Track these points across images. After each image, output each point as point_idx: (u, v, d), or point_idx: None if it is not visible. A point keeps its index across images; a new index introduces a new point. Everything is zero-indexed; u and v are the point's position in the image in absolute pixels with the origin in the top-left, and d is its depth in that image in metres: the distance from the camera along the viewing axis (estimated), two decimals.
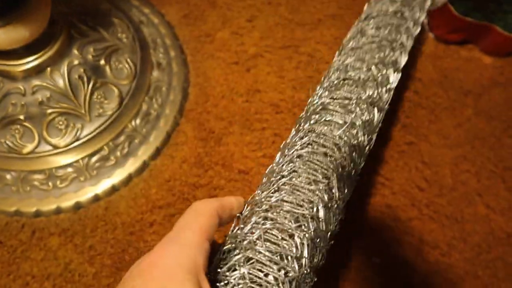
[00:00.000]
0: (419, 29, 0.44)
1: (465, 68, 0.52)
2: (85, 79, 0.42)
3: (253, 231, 0.29)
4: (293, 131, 0.36)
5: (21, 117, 0.41)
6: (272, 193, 0.31)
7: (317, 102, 0.36)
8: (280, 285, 0.26)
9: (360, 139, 0.34)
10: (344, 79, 0.37)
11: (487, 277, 0.41)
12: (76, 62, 0.42)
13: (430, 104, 0.50)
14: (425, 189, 0.45)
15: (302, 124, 0.35)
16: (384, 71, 0.38)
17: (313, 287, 0.30)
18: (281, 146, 0.35)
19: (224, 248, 0.29)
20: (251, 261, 0.27)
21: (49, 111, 0.41)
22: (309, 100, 0.38)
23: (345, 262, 0.41)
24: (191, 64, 0.51)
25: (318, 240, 0.30)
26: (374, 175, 0.45)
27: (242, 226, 0.30)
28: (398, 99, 0.50)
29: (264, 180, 0.34)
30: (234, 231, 0.30)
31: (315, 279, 0.31)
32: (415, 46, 0.49)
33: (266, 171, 0.34)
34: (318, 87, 0.39)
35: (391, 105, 0.50)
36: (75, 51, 0.42)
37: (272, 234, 0.28)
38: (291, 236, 0.29)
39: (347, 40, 0.42)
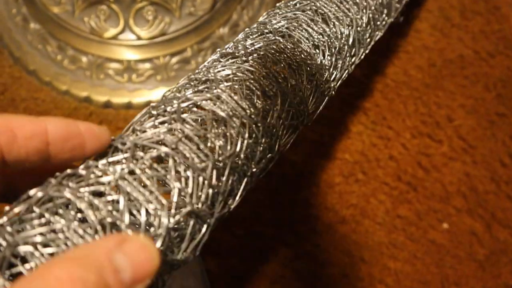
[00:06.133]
0: None
1: None
2: None
3: None
4: None
5: None
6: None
7: None
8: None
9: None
10: None
11: None
12: None
13: None
14: (508, 165, 0.42)
15: None
16: None
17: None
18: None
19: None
20: None
21: None
22: None
23: (415, 221, 0.39)
24: None
25: None
26: (457, 139, 0.43)
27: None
28: (495, 64, 0.46)
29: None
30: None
31: None
32: None
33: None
34: None
35: (486, 70, 0.46)
36: None
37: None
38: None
39: None
